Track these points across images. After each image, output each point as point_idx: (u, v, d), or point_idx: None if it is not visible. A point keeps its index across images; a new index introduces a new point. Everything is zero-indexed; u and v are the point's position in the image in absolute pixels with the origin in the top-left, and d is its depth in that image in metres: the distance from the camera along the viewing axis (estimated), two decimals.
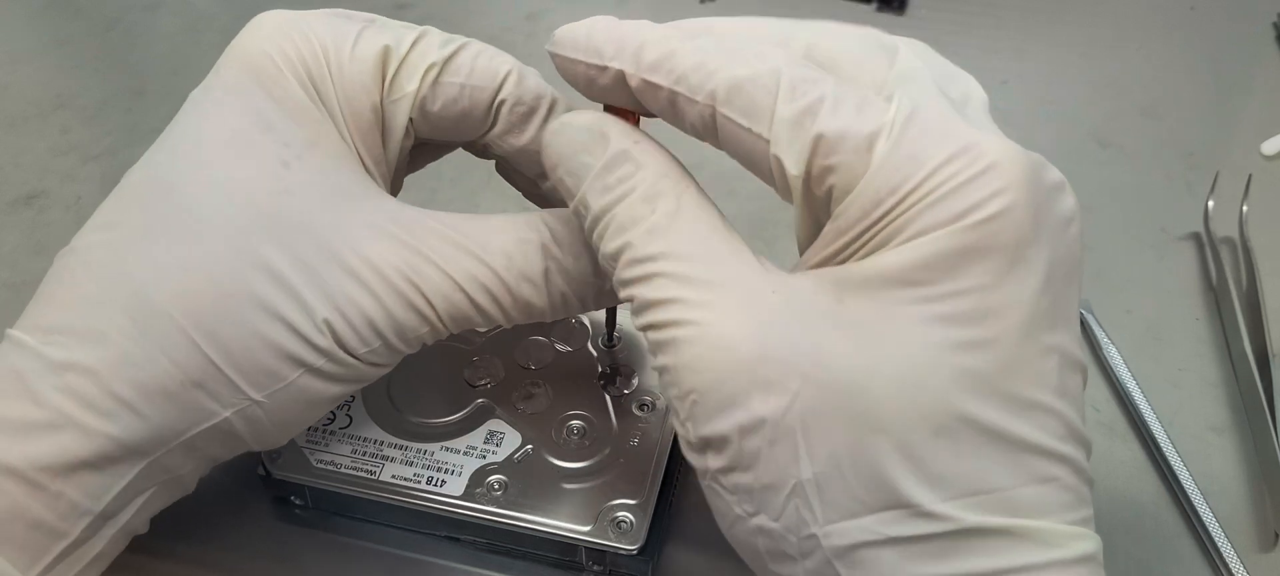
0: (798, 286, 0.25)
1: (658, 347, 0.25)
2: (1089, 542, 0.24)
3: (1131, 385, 0.39)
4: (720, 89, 0.25)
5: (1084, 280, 0.26)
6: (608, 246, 0.27)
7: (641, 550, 0.32)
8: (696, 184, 0.27)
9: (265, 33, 0.30)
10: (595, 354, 0.37)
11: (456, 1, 0.62)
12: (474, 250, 0.29)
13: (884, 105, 0.24)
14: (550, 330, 0.38)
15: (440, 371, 0.37)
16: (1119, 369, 0.40)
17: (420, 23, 0.32)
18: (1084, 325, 0.41)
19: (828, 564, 0.24)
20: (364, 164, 0.30)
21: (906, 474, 0.23)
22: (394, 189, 0.34)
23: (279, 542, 0.35)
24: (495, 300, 0.29)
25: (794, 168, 0.25)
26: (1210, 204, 0.45)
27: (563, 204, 0.32)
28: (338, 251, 0.28)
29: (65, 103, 0.53)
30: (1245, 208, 0.44)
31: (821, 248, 0.25)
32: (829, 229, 0.25)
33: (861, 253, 0.24)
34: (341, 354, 0.28)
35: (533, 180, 0.33)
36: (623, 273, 0.26)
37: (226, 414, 0.28)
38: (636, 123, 0.28)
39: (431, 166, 0.37)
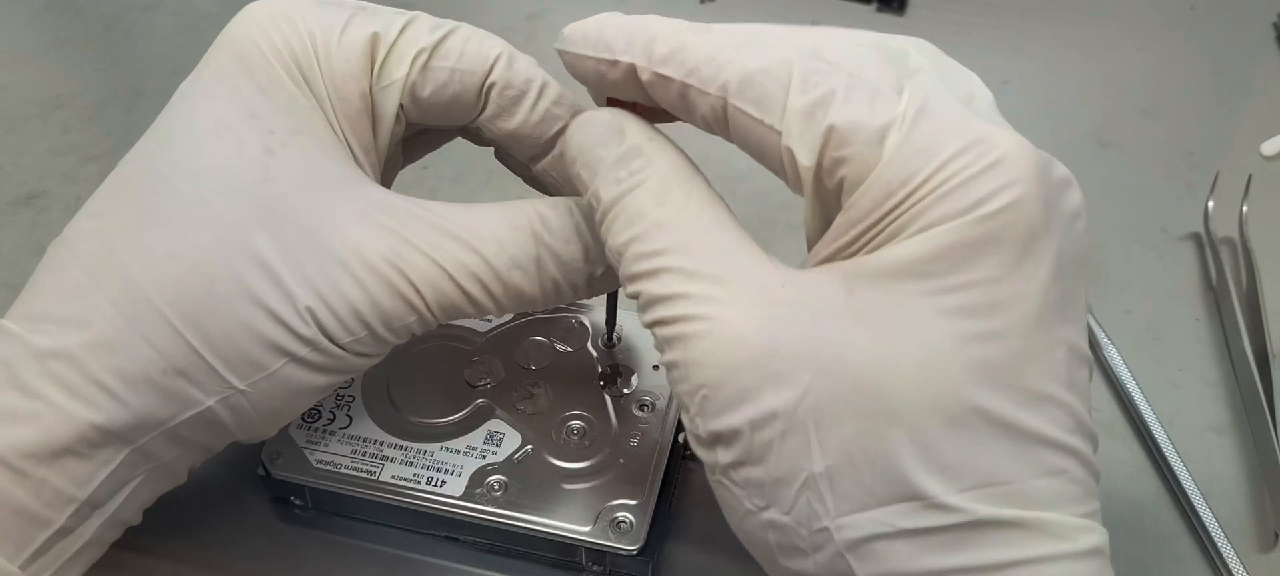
0: (808, 280, 0.25)
1: (666, 343, 0.25)
2: (1098, 536, 0.24)
3: (1131, 385, 0.39)
4: (732, 81, 0.26)
5: None
6: (616, 238, 0.27)
7: (641, 550, 0.32)
8: (707, 181, 0.27)
9: (254, 22, 0.30)
10: (595, 354, 0.37)
11: (457, 1, 0.62)
12: (463, 237, 0.29)
13: (895, 98, 0.24)
14: (550, 330, 0.38)
15: (440, 371, 0.37)
16: (1119, 369, 0.40)
17: None
18: None
19: (839, 557, 0.24)
20: (353, 152, 0.30)
21: (919, 465, 0.23)
22: (390, 180, 0.34)
23: (278, 542, 0.35)
24: (485, 288, 0.29)
25: (806, 159, 0.25)
26: (1210, 204, 0.45)
27: (559, 193, 0.32)
28: (321, 239, 0.28)
29: (65, 103, 0.53)
30: (1245, 208, 0.44)
31: (832, 240, 0.25)
32: (840, 221, 0.25)
33: (872, 245, 0.24)
34: (326, 343, 0.28)
35: (526, 165, 0.33)
36: (630, 267, 0.26)
37: (210, 402, 0.28)
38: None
39: (431, 167, 0.37)
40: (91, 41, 0.58)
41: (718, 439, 0.25)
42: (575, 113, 0.31)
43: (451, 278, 0.29)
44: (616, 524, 0.32)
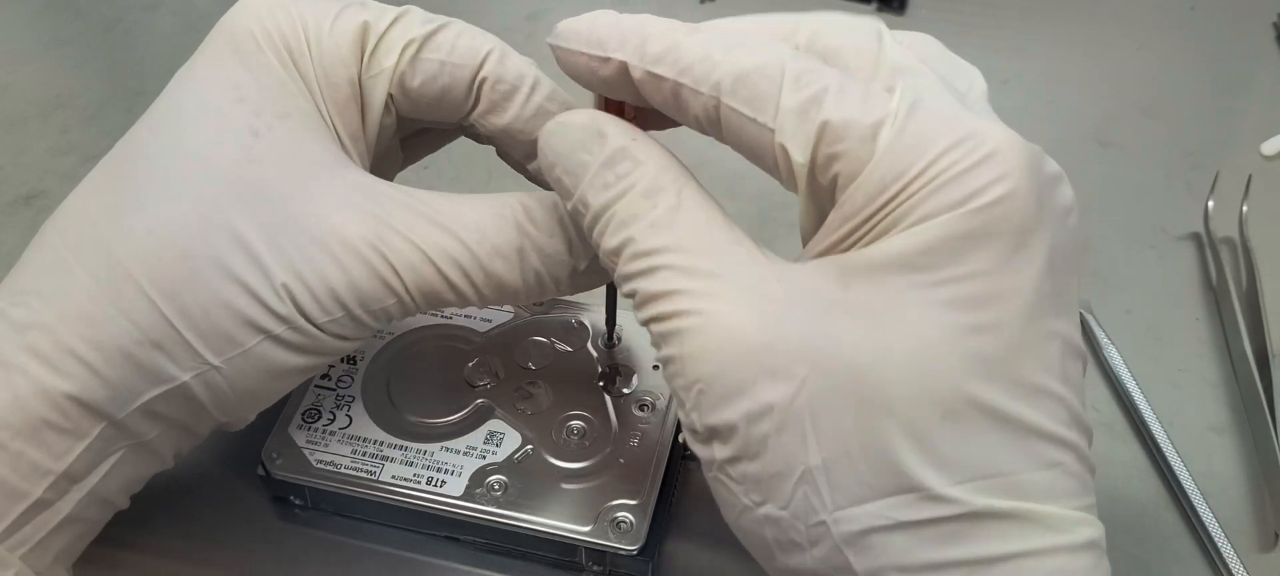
0: (803, 274, 0.25)
1: (662, 339, 0.25)
2: (1093, 529, 0.24)
3: (1131, 385, 0.39)
4: (725, 80, 0.26)
5: (1084, 280, 0.26)
6: (609, 243, 0.27)
7: (641, 550, 0.32)
8: (696, 179, 0.27)
9: (250, 9, 0.31)
10: (595, 354, 0.37)
11: (457, 1, 0.62)
12: (445, 223, 0.29)
13: (887, 95, 0.25)
14: (550, 330, 0.38)
15: (440, 371, 0.37)
16: (1119, 369, 0.40)
17: None
18: (1084, 325, 0.41)
19: (837, 550, 0.24)
20: (340, 138, 0.31)
21: (916, 457, 0.23)
22: (389, 178, 0.34)
23: (279, 542, 0.35)
24: (466, 275, 0.29)
25: (799, 155, 0.25)
26: (1210, 204, 0.45)
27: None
28: (301, 219, 0.28)
29: (65, 103, 0.53)
30: (1245, 208, 0.44)
31: (826, 235, 0.25)
32: (834, 216, 0.25)
33: (866, 240, 0.24)
34: (302, 321, 0.28)
35: (521, 162, 0.33)
36: (625, 267, 0.26)
37: (185, 377, 0.28)
38: (629, 118, 0.29)
39: (431, 166, 0.37)
40: (91, 41, 0.58)
41: (714, 433, 0.25)
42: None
43: (432, 262, 0.29)
44: (616, 524, 0.32)
